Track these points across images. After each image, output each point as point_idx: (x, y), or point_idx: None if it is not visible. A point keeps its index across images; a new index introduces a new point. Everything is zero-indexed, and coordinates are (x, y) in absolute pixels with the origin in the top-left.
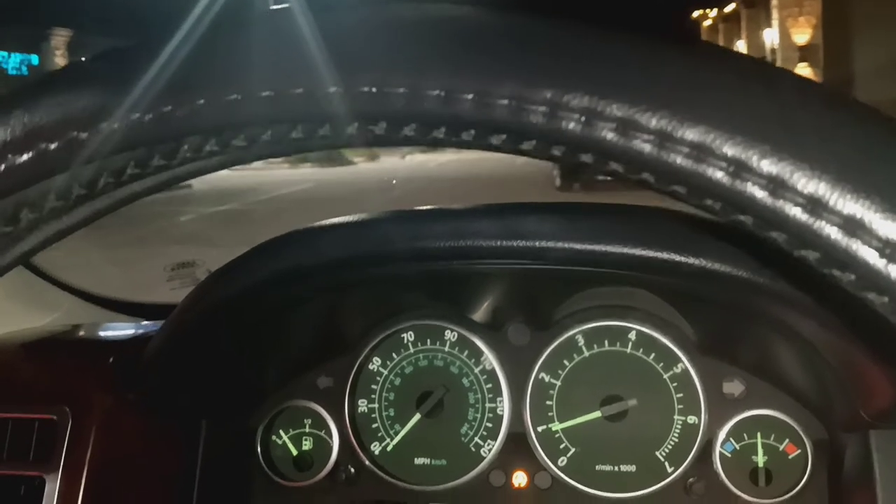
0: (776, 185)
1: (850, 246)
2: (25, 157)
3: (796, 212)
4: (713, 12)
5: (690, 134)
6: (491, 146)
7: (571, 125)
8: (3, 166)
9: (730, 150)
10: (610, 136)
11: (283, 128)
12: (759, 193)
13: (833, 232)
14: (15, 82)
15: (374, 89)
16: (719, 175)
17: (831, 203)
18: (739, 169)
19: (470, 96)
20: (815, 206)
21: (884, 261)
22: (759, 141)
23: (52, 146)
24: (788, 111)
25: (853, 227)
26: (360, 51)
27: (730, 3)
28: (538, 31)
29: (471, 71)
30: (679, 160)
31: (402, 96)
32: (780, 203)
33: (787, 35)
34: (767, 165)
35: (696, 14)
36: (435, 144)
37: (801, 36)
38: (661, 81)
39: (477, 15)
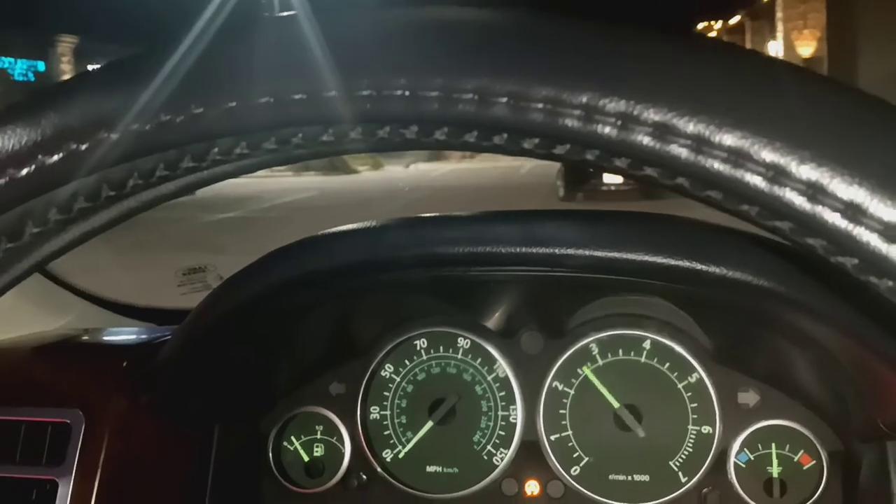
0: (815, 191)
1: (890, 252)
2: (56, 157)
3: (835, 217)
4: (718, 24)
5: (728, 139)
6: (522, 150)
7: (607, 129)
8: (33, 167)
9: (768, 155)
10: (646, 140)
11: (314, 130)
12: (798, 199)
13: (872, 238)
14: (21, 88)
15: (407, 93)
16: (757, 180)
17: (871, 209)
18: (778, 174)
19: (504, 100)
20: (855, 211)
21: None
22: (799, 146)
23: (83, 147)
24: (828, 116)
25: (893, 233)
26: (399, 54)
27: (735, 15)
28: (571, 34)
29: (506, 74)
30: (716, 165)
31: (436, 100)
32: (818, 209)
33: (791, 47)
34: (807, 171)
35: (700, 26)
36: (468, 149)
37: (806, 48)
38: (699, 85)
39: (510, 18)
